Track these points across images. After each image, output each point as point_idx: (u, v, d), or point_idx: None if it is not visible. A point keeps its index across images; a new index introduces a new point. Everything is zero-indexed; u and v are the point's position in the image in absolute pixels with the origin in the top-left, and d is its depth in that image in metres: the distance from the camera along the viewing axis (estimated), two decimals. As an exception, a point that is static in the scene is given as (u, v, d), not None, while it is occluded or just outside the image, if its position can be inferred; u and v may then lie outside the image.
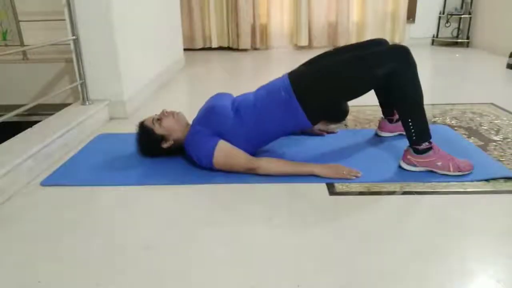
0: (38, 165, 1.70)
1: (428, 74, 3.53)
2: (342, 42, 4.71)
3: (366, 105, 2.38)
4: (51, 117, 2.11)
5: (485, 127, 2.10)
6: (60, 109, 2.25)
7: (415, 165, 1.60)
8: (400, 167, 1.64)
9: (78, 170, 1.73)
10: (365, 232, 1.25)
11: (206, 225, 1.32)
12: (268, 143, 1.74)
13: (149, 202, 1.48)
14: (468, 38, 4.76)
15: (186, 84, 3.53)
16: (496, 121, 2.19)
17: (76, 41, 2.22)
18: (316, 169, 1.58)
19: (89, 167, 1.74)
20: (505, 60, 3.59)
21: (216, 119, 1.64)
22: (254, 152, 1.69)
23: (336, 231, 1.26)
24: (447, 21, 4.82)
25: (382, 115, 1.98)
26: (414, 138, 1.57)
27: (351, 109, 2.02)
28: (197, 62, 4.25)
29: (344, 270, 1.09)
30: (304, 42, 4.81)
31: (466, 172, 1.55)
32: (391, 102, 1.86)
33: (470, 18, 4.70)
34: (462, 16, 4.76)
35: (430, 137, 1.58)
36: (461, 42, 4.80)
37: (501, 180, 1.53)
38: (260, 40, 4.88)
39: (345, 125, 2.20)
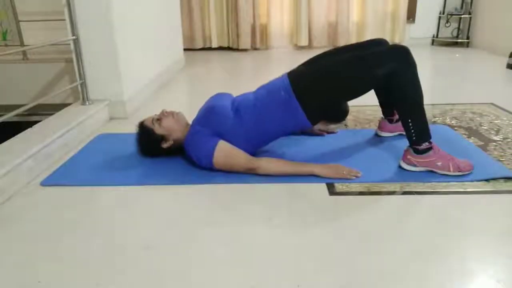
0: (38, 165, 1.70)
1: (428, 74, 3.53)
2: (342, 42, 4.71)
3: (366, 105, 2.38)
4: (51, 117, 2.11)
5: (485, 127, 2.10)
6: (60, 109, 2.25)
7: (415, 165, 1.60)
8: (400, 167, 1.64)
9: (78, 170, 1.73)
10: (365, 232, 1.25)
11: (206, 225, 1.32)
12: (268, 143, 1.74)
13: (149, 202, 1.48)
14: (468, 38, 4.76)
15: (186, 84, 3.53)
16: (496, 121, 2.19)
17: (76, 41, 2.22)
18: (316, 169, 1.59)
19: (89, 167, 1.74)
20: (505, 60, 3.59)
21: (216, 119, 1.64)
22: (254, 152, 1.69)
23: (336, 231, 1.26)
24: (447, 21, 4.82)
25: (382, 115, 1.98)
26: (414, 138, 1.57)
27: (351, 109, 2.02)
28: (197, 62, 4.25)
29: (344, 270, 1.09)
30: (304, 42, 4.81)
31: (466, 172, 1.55)
32: (391, 102, 1.86)
33: (470, 18, 4.70)
34: (462, 16, 4.76)
35: (430, 137, 1.58)
36: (461, 42, 4.80)
37: (501, 180, 1.53)
38: (260, 40, 4.88)
39: (345, 125, 2.20)
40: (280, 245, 1.21)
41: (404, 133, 1.62)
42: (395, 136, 1.96)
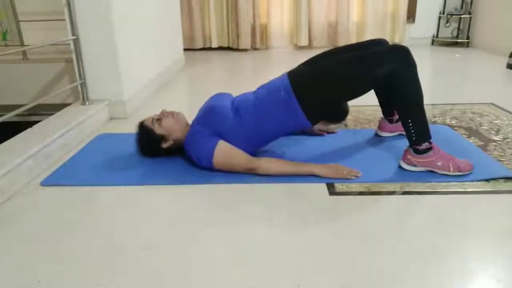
0: (38, 165, 1.70)
1: (428, 74, 3.53)
2: (342, 42, 4.71)
3: (366, 105, 2.38)
4: (51, 117, 2.11)
5: (485, 127, 2.10)
6: (60, 109, 2.25)
7: (415, 165, 1.60)
8: (400, 167, 1.64)
9: (78, 170, 1.73)
10: (365, 232, 1.25)
11: (206, 225, 1.32)
12: (268, 143, 1.74)
13: (149, 202, 1.48)
14: (468, 38, 4.76)
15: (186, 84, 3.53)
16: (496, 121, 2.19)
17: (76, 41, 2.22)
18: (316, 169, 1.58)
19: (89, 167, 1.74)
20: (505, 60, 3.59)
21: (215, 119, 1.64)
22: (254, 152, 1.69)
23: (336, 231, 1.26)
24: (447, 21, 4.82)
25: (382, 115, 1.98)
26: (414, 138, 1.57)
27: (351, 109, 2.02)
28: (197, 62, 4.25)
29: (344, 270, 1.09)
30: (304, 42, 4.81)
31: (466, 172, 1.55)
32: (391, 102, 1.86)
33: (470, 18, 4.70)
34: (462, 16, 4.76)
35: (430, 137, 1.58)
36: (461, 42, 4.80)
37: (501, 180, 1.53)
38: (260, 40, 4.88)
39: (345, 125, 2.20)
40: (280, 245, 1.21)
41: (404, 133, 1.62)
42: (395, 136, 1.96)
